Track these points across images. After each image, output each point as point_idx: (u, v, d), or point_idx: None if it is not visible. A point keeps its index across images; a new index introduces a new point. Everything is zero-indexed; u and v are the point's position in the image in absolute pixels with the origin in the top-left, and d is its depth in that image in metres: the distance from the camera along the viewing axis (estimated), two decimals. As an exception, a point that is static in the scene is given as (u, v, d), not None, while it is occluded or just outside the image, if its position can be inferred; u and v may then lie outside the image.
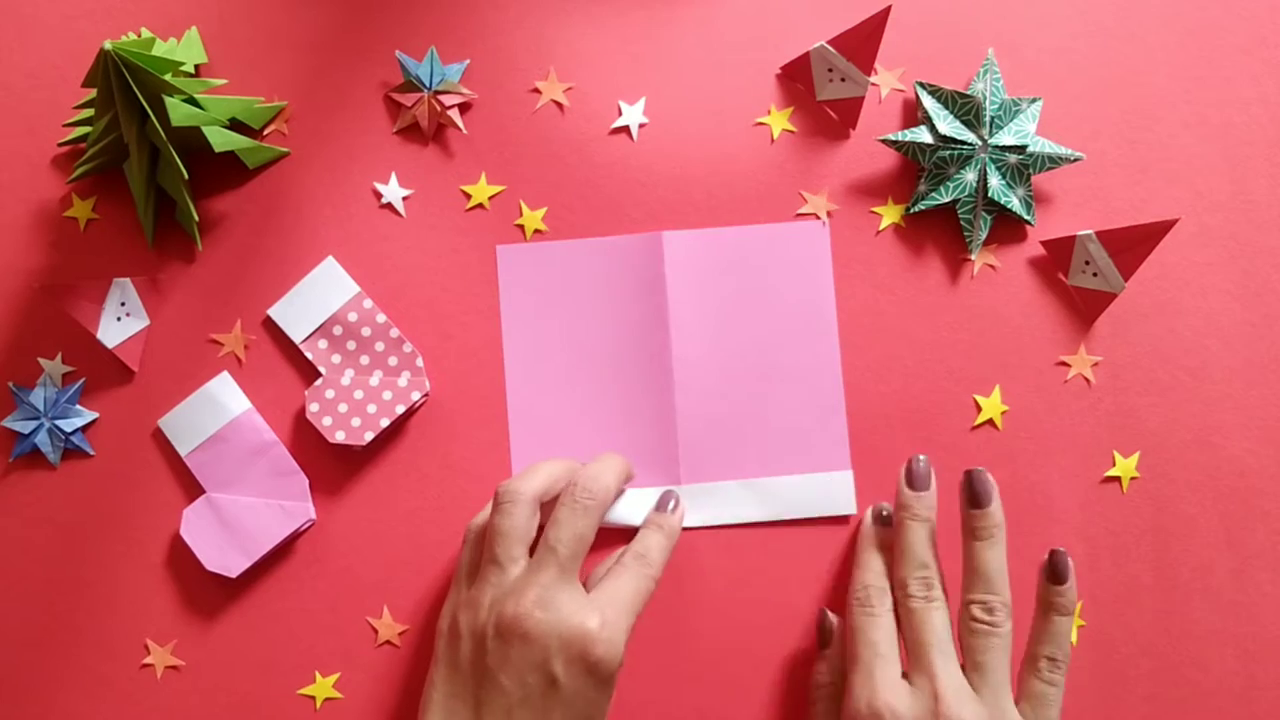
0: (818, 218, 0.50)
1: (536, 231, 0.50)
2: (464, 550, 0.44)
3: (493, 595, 0.41)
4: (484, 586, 0.42)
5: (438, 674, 0.42)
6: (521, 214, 0.49)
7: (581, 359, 0.49)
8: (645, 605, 0.43)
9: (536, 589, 0.40)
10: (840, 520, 0.48)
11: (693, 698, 0.47)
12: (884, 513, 0.47)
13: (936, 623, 0.43)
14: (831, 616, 0.47)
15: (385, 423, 0.47)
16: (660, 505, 0.47)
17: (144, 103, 0.44)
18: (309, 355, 0.48)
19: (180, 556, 0.48)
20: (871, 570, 0.45)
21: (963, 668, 0.43)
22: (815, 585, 0.48)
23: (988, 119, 0.48)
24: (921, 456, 0.46)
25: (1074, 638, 0.48)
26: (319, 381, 0.48)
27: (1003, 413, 0.49)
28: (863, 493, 0.48)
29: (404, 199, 0.50)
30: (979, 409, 0.49)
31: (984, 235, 0.49)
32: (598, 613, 0.40)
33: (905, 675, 0.43)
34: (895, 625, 0.44)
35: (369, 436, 0.47)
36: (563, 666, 0.39)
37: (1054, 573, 0.44)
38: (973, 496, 0.44)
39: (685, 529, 0.48)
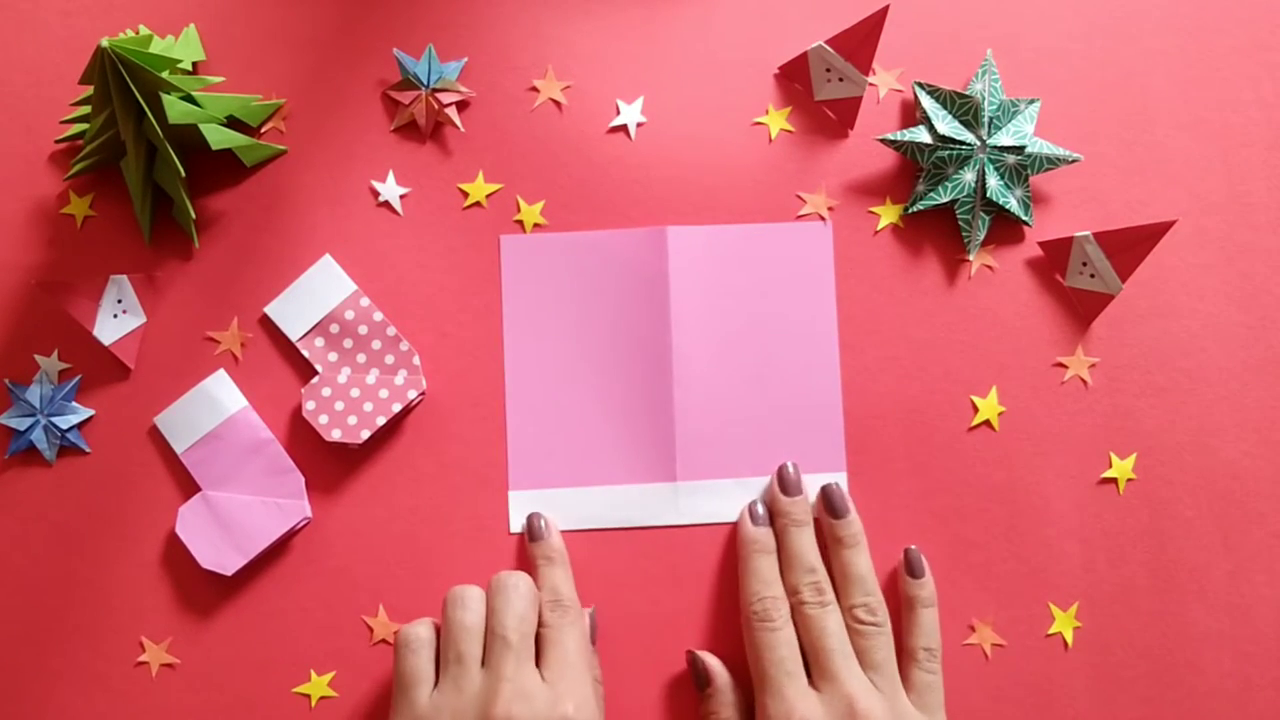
0: (820, 218, 0.50)
1: (536, 225, 0.50)
2: (403, 658, 0.43)
3: (465, 700, 0.41)
4: (451, 691, 0.41)
5: None
6: (519, 210, 0.49)
7: (582, 352, 0.49)
8: (587, 641, 0.44)
9: (508, 685, 0.40)
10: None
11: (690, 695, 0.47)
12: (759, 511, 0.47)
13: (833, 626, 0.44)
14: (705, 657, 0.46)
15: (381, 421, 0.47)
16: (533, 535, 0.47)
17: (141, 100, 0.44)
18: (305, 353, 0.48)
19: (176, 554, 0.48)
20: (762, 579, 0.45)
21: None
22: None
23: (986, 119, 0.48)
24: (790, 463, 0.47)
25: (1070, 639, 0.48)
26: (315, 379, 0.48)
27: (999, 414, 0.49)
28: (857, 495, 0.48)
29: (401, 197, 0.50)
30: (975, 410, 0.49)
31: (982, 236, 0.49)
32: (569, 697, 0.41)
33: (810, 682, 0.43)
34: (794, 634, 0.44)
35: (365, 435, 0.47)
36: None
37: (911, 568, 0.46)
38: (833, 509, 0.47)
39: (682, 526, 0.48)
